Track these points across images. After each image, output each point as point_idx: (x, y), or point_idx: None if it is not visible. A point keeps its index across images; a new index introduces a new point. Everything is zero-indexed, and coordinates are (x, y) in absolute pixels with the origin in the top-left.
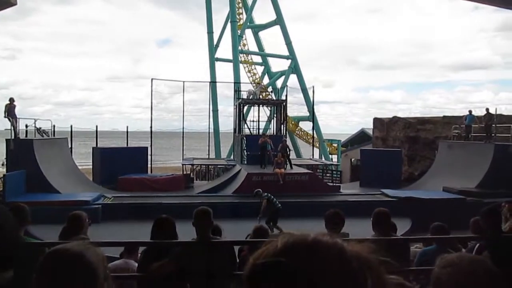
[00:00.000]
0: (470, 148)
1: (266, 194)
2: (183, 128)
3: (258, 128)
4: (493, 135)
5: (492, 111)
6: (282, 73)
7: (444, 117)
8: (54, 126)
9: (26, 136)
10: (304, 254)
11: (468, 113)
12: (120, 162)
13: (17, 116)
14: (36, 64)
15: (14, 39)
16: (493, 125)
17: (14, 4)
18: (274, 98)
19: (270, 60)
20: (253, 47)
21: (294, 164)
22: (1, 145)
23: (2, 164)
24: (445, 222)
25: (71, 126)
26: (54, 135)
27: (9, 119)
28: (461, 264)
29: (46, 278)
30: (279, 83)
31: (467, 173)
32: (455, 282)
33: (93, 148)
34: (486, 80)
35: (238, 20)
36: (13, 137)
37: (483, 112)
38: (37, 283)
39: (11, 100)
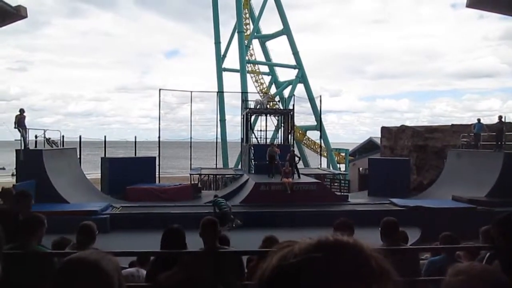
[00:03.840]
0: (479, 156)
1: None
2: (190, 138)
3: (266, 138)
4: (503, 143)
5: (503, 119)
6: (289, 83)
7: (453, 125)
8: (63, 136)
9: (36, 146)
10: (332, 251)
11: (476, 121)
12: (128, 172)
13: (27, 127)
14: (46, 75)
15: (25, 51)
16: (504, 133)
17: (25, 16)
18: (282, 107)
19: (277, 69)
20: (260, 57)
21: (302, 174)
22: (11, 156)
23: (12, 175)
24: (454, 232)
25: (80, 137)
26: (63, 146)
27: (19, 130)
28: (473, 273)
29: (64, 285)
30: (286, 92)
31: (476, 182)
32: None
33: (101, 158)
34: (493, 88)
35: (245, 31)
36: (23, 148)
37: (492, 121)
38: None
39: (21, 111)
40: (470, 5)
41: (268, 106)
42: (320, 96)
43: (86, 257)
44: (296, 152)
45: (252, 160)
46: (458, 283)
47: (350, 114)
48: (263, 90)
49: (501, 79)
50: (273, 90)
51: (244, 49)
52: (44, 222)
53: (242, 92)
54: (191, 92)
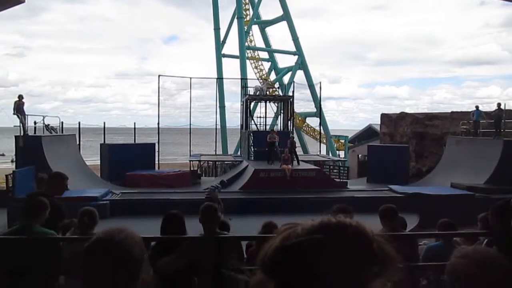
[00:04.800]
0: (478, 144)
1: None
2: (190, 124)
3: (265, 124)
4: (501, 130)
5: (502, 106)
6: (289, 69)
7: (452, 112)
8: (62, 122)
9: (35, 132)
10: (334, 233)
11: (475, 108)
12: (128, 158)
13: (26, 113)
14: (45, 61)
15: (23, 37)
16: (502, 120)
17: (22, 1)
18: (281, 94)
19: (277, 56)
20: (259, 43)
21: (301, 160)
22: (11, 142)
23: (12, 161)
24: (453, 218)
25: (79, 123)
26: (62, 132)
27: (18, 116)
28: (478, 256)
29: (92, 265)
30: (286, 79)
31: (475, 169)
32: (471, 273)
33: (101, 144)
34: (493, 76)
35: (244, 16)
36: (22, 134)
37: (491, 108)
38: (83, 270)
39: (20, 97)
40: None
41: (267, 92)
42: (320, 83)
43: (113, 237)
44: (295, 138)
45: (252, 147)
46: (463, 265)
47: (350, 100)
48: (263, 77)
49: (501, 66)
50: (272, 76)
51: (243, 35)
52: (47, 205)
53: (241, 79)
54: (191, 78)
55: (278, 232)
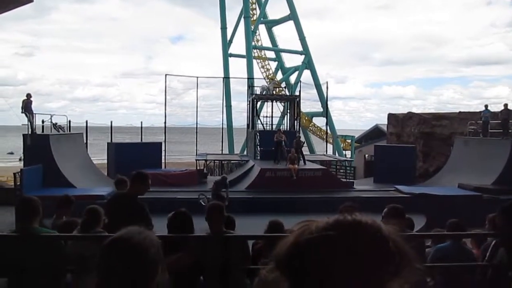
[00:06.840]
0: (486, 144)
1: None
2: (196, 123)
3: (272, 124)
4: (509, 131)
5: (509, 107)
6: (295, 69)
7: (460, 112)
8: (69, 121)
9: (43, 131)
10: (348, 231)
11: (484, 108)
12: (135, 157)
13: (34, 112)
14: (53, 60)
15: (32, 36)
16: (510, 121)
17: (31, 1)
18: (288, 93)
19: (284, 55)
20: (266, 42)
21: (308, 160)
22: (19, 140)
23: (20, 159)
24: (460, 219)
25: (86, 122)
26: (69, 131)
27: (26, 115)
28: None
29: (107, 265)
30: (292, 78)
31: (483, 169)
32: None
33: (108, 143)
34: (501, 76)
35: (251, 16)
36: (30, 132)
37: (499, 109)
38: (99, 268)
39: (28, 95)
40: None
41: (274, 92)
42: (327, 82)
43: (131, 238)
44: (302, 138)
45: (258, 146)
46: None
47: (357, 100)
48: (270, 76)
49: (509, 66)
50: (279, 76)
51: (250, 34)
52: (40, 205)
53: (248, 78)
54: (197, 77)
55: (295, 229)
